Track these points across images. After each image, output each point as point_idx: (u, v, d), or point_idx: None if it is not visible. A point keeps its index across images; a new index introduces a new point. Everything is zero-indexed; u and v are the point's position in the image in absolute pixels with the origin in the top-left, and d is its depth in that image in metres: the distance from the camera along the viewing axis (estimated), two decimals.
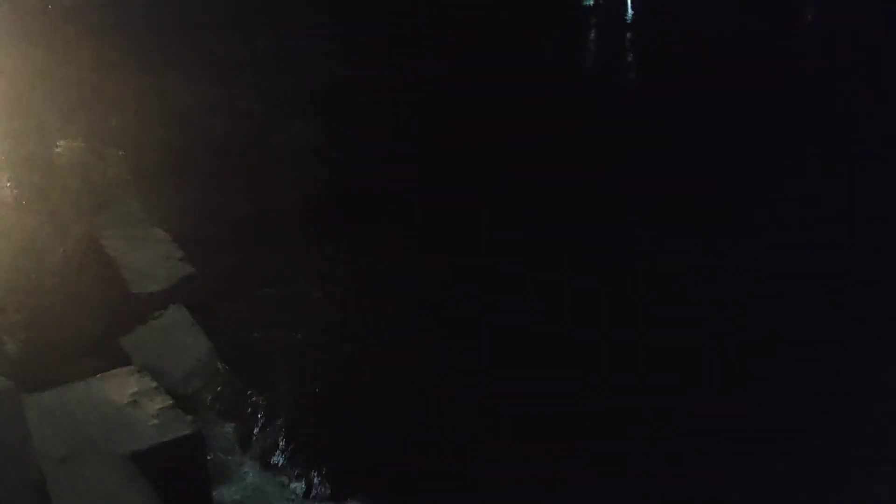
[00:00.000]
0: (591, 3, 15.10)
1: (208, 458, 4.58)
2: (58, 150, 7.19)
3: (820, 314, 6.11)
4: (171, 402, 4.50)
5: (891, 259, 6.71)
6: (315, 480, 4.76)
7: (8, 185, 6.77)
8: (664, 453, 4.91)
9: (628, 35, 14.20)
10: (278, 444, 5.06)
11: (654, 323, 6.12)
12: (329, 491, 4.74)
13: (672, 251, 7.10)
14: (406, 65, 10.66)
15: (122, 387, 4.58)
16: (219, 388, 5.24)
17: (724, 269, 6.78)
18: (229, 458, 4.78)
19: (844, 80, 10.48)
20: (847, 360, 5.63)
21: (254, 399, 5.35)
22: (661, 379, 5.53)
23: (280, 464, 4.93)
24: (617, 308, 6.33)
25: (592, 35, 14.34)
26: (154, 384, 4.66)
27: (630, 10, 14.61)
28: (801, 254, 6.88)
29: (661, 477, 4.75)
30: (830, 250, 6.86)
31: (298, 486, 4.73)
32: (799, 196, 7.87)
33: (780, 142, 9.02)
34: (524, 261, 7.00)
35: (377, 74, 10.28)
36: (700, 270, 6.78)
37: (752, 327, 6.02)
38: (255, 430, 5.13)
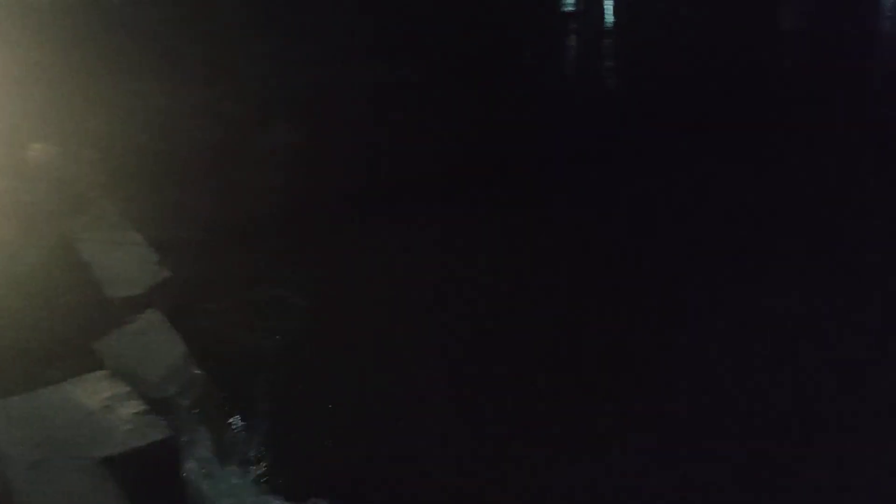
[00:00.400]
0: (572, 8, 15.20)
1: (183, 463, 4.50)
2: (32, 152, 7.09)
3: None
4: (145, 406, 4.42)
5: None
6: (293, 485, 4.70)
7: None
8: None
9: (608, 40, 14.33)
10: (256, 450, 5.01)
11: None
12: (308, 496, 4.68)
13: (650, 253, 7.12)
14: (386, 70, 10.67)
15: (94, 391, 4.50)
16: (195, 393, 5.16)
17: (704, 273, 6.79)
18: (205, 463, 4.71)
19: (825, 84, 10.60)
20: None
21: (231, 404, 5.29)
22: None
23: (258, 469, 4.87)
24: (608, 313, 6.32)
25: (573, 40, 14.45)
26: (128, 389, 4.58)
27: (610, 17, 14.72)
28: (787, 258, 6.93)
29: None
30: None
31: (276, 492, 4.67)
32: (775, 200, 7.92)
33: (760, 145, 9.08)
34: (509, 264, 7.00)
35: (357, 79, 10.27)
36: (680, 273, 6.79)
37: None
38: (233, 436, 5.07)
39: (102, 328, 5.31)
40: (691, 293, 6.52)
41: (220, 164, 8.22)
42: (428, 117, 9.64)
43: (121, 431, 4.20)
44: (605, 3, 15.17)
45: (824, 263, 6.78)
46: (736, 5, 13.70)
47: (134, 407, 4.40)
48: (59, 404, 4.38)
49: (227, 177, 8.03)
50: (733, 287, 6.51)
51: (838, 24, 13.23)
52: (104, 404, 4.39)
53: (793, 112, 9.90)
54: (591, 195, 8.24)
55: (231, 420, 5.17)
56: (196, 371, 5.19)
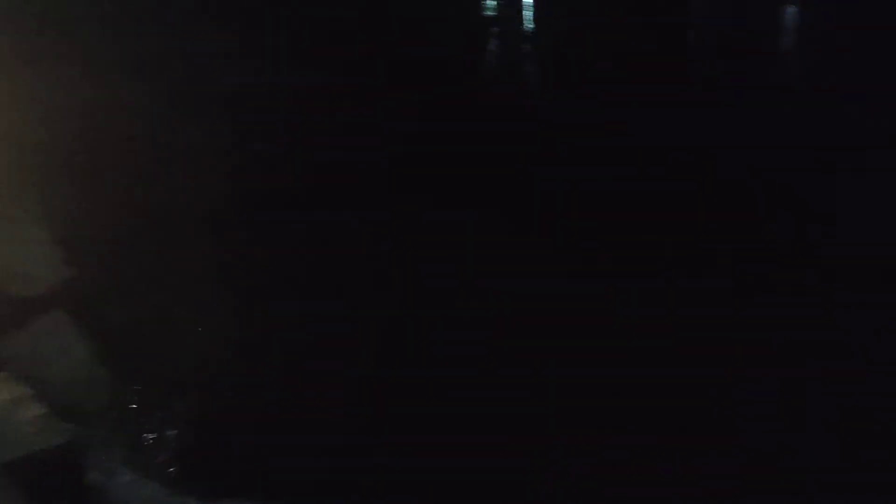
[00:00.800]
0: (493, 13, 15.38)
1: (89, 467, 4.39)
2: None
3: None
4: (46, 410, 4.30)
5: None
6: (200, 490, 4.62)
7: None
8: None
9: (526, 45, 14.54)
10: (163, 453, 4.89)
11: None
12: (218, 498, 4.60)
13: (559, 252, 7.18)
14: (303, 69, 10.59)
15: None
16: (101, 396, 5.04)
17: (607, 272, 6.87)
18: (112, 466, 4.59)
19: (729, 84, 11.03)
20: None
21: (138, 407, 5.17)
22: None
23: (164, 473, 4.74)
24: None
25: (493, 43, 14.60)
26: (30, 392, 4.44)
27: (528, 22, 14.95)
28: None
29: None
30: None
31: (186, 494, 4.59)
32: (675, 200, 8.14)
33: (667, 148, 9.34)
34: (424, 264, 6.97)
35: (271, 77, 10.17)
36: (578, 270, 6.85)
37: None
38: (140, 439, 4.95)
39: (3, 328, 5.14)
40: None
41: (133, 161, 8.04)
42: (343, 118, 9.60)
43: (21, 436, 4.07)
44: (524, 10, 15.41)
45: None
46: (642, 17, 14.11)
47: (35, 410, 4.27)
48: None
49: (137, 174, 7.85)
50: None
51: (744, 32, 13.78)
52: (4, 408, 4.25)
53: (707, 115, 10.25)
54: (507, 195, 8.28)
55: (140, 423, 5.04)
56: (102, 373, 5.07)
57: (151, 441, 4.94)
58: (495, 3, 15.60)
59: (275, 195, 7.93)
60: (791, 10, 15.04)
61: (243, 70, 9.94)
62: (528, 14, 15.42)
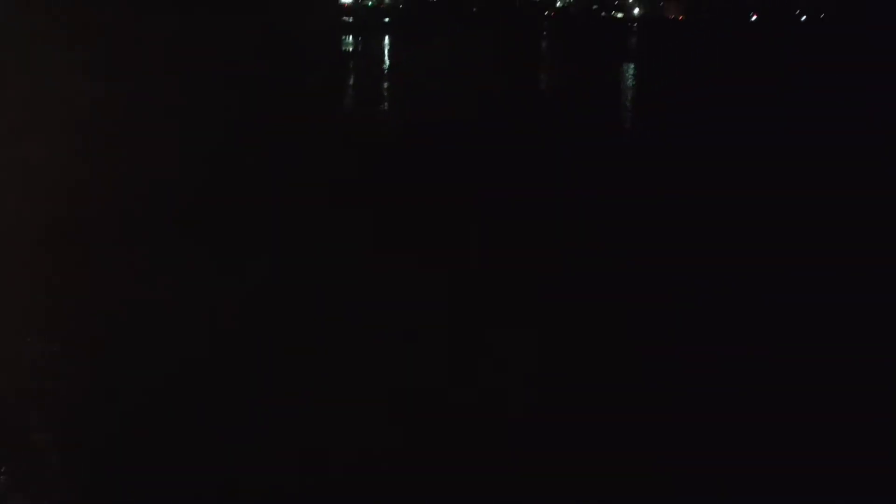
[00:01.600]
0: (351, 49, 15.64)
1: None
2: None
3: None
4: None
5: None
6: None
7: None
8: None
9: (386, 81, 14.87)
10: (52, 476, 4.34)
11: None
12: None
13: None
14: (166, 89, 10.30)
15: None
16: None
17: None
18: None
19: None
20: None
21: (24, 429, 4.56)
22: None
23: (54, 495, 4.24)
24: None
25: (352, 78, 14.82)
26: None
27: (387, 58, 15.33)
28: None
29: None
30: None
31: None
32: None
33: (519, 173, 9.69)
34: (276, 284, 6.67)
35: (130, 93, 9.77)
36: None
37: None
38: (29, 462, 4.35)
39: None
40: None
41: None
42: (204, 141, 9.33)
43: None
44: (383, 45, 15.77)
45: None
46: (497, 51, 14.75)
47: None
48: None
49: None
50: None
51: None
52: None
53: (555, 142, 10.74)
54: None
55: (29, 446, 4.47)
56: None
57: (40, 464, 4.39)
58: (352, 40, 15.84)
59: (138, 211, 7.55)
60: None
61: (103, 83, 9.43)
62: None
